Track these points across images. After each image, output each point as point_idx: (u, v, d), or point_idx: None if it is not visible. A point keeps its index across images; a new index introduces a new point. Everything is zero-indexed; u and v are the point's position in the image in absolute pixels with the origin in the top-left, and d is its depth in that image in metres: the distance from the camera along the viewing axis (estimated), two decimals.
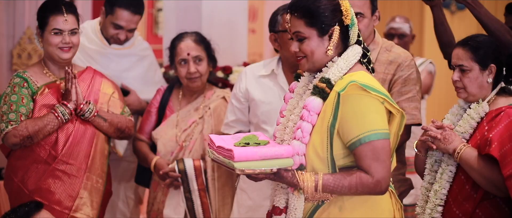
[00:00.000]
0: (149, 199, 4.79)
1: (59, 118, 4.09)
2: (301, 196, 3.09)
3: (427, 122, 6.75)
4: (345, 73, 3.11)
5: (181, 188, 4.55)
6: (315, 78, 3.19)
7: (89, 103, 4.19)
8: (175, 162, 4.55)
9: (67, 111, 4.11)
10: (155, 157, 4.61)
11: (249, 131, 4.44)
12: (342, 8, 3.12)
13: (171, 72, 5.15)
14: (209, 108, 4.65)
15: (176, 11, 5.34)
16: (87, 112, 4.17)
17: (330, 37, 3.11)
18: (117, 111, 4.39)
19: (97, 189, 4.27)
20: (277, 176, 3.03)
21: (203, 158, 4.59)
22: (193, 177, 4.54)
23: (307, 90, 3.19)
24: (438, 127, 3.71)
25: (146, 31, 8.62)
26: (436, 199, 3.70)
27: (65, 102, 4.12)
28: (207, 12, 5.23)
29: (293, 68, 4.21)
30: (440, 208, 3.70)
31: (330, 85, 3.07)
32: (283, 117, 3.26)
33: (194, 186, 4.54)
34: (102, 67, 4.61)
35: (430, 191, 3.76)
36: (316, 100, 3.06)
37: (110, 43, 4.84)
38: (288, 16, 3.13)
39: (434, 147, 3.67)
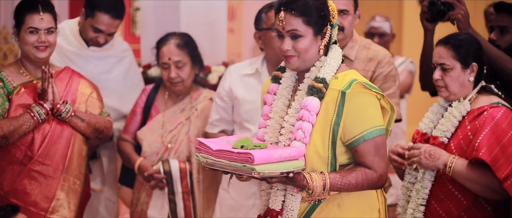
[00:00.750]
0: (132, 200, 4.75)
1: (35, 118, 4.03)
2: (298, 197, 3.10)
3: (408, 121, 6.80)
4: (336, 72, 3.14)
5: (166, 189, 4.52)
6: (298, 78, 3.21)
7: (66, 103, 4.13)
8: (160, 163, 4.52)
9: (43, 111, 4.05)
10: (139, 159, 4.58)
11: (232, 130, 4.43)
12: (329, 8, 3.15)
13: (150, 71, 5.11)
14: (196, 109, 4.63)
15: (154, 11, 5.29)
16: (64, 112, 4.12)
17: (323, 37, 3.13)
18: (96, 111, 4.34)
19: (74, 191, 4.21)
20: (289, 178, 2.99)
21: (188, 159, 4.56)
22: (178, 179, 4.51)
23: (298, 91, 3.18)
24: (410, 149, 3.70)
25: (123, 30, 8.56)
26: (418, 198, 3.70)
27: (42, 102, 4.07)
28: (185, 11, 5.18)
29: (274, 68, 4.20)
30: (422, 208, 3.69)
31: (326, 84, 3.09)
32: (267, 119, 3.23)
33: (178, 188, 4.51)
34: (80, 69, 4.54)
35: (411, 190, 3.76)
36: (315, 100, 3.07)
37: (88, 45, 4.76)
38: (282, 14, 3.10)
39: (419, 167, 3.67)
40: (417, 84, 6.69)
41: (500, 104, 3.65)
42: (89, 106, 4.33)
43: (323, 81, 3.09)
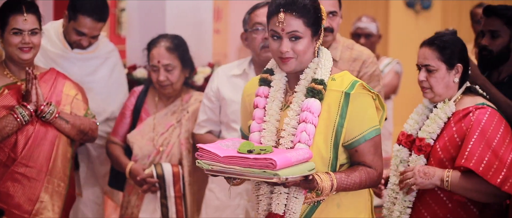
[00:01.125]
0: (122, 203, 4.71)
1: (18, 119, 4.00)
2: (301, 199, 3.08)
3: (394, 122, 6.80)
4: (330, 73, 3.16)
5: (158, 193, 4.48)
6: (288, 80, 3.19)
7: (50, 104, 4.10)
8: (153, 166, 4.48)
9: (26, 112, 4.02)
10: (130, 163, 4.54)
11: (219, 131, 4.42)
12: (322, 10, 3.16)
13: (135, 73, 5.08)
14: (187, 112, 4.60)
15: (140, 11, 5.26)
16: (47, 113, 4.08)
17: (318, 38, 3.14)
18: (81, 113, 4.31)
19: (58, 193, 4.18)
20: (308, 180, 2.98)
21: (180, 162, 4.54)
22: (171, 184, 4.48)
23: (295, 93, 3.15)
24: (402, 173, 3.70)
25: (109, 31, 8.52)
26: (405, 201, 3.69)
27: (25, 103, 4.03)
28: (171, 12, 5.15)
29: (261, 69, 4.19)
30: (409, 210, 3.69)
31: (325, 86, 3.10)
32: (261, 122, 3.19)
33: (171, 192, 4.48)
34: (64, 71, 4.49)
35: (397, 192, 3.74)
36: (317, 102, 3.07)
37: (72, 48, 4.72)
38: (281, 15, 3.06)
39: (415, 188, 3.65)
40: (403, 85, 6.73)
41: (485, 105, 3.65)
42: (74, 107, 4.30)
43: (322, 82, 3.09)
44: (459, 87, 3.73)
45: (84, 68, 4.75)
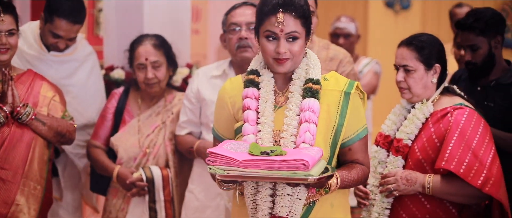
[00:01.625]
0: (105, 207, 4.63)
1: None
2: (303, 200, 3.05)
3: (373, 122, 6.80)
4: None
5: (146, 197, 4.44)
6: (276, 80, 3.15)
7: (27, 106, 4.06)
8: (141, 169, 4.43)
9: (2, 114, 3.98)
10: (116, 166, 4.47)
11: (200, 133, 4.40)
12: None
13: (112, 73, 5.03)
14: (172, 113, 4.57)
15: (117, 12, 5.21)
16: (24, 115, 4.04)
17: (308, 38, 3.12)
18: (58, 114, 4.26)
19: (35, 196, 4.14)
20: (328, 178, 2.98)
21: (167, 164, 4.50)
22: (161, 187, 4.43)
23: (290, 93, 3.12)
24: (383, 177, 3.70)
25: (87, 32, 8.47)
26: (383, 202, 3.68)
27: (1, 105, 3.99)
28: (149, 12, 5.12)
29: (240, 69, 4.25)
30: (387, 211, 3.69)
31: (320, 86, 3.10)
32: (254, 124, 3.12)
33: (160, 196, 4.43)
34: (41, 73, 4.44)
35: (376, 194, 3.74)
36: (317, 102, 3.06)
37: (49, 50, 4.66)
38: (280, 16, 3.02)
39: (396, 194, 3.65)
40: (382, 85, 6.74)
41: (463, 105, 3.66)
42: (51, 109, 4.25)
43: (318, 82, 3.09)
44: (437, 87, 3.72)
45: (61, 71, 4.69)
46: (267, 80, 3.15)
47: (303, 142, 3.02)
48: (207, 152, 2.89)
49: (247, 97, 3.14)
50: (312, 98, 3.05)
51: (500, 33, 4.17)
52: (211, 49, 9.07)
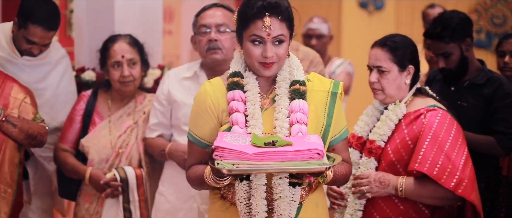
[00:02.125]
0: (76, 213, 4.56)
1: None
2: (297, 201, 3.03)
3: (347, 123, 6.80)
4: None
5: (120, 197, 4.40)
6: (259, 82, 3.11)
7: None
8: (115, 170, 4.40)
9: None
10: (88, 168, 4.43)
11: (171, 135, 4.37)
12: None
13: (83, 75, 4.98)
14: (144, 113, 4.54)
15: (88, 12, 5.16)
16: None
17: (290, 40, 3.09)
18: (29, 116, 4.21)
19: (5, 199, 4.10)
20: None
21: (140, 164, 4.47)
22: (135, 187, 4.39)
23: (277, 95, 3.10)
24: (356, 178, 3.69)
25: (59, 33, 8.40)
26: (356, 203, 3.67)
27: None
28: (120, 12, 5.07)
29: (211, 71, 4.24)
30: (360, 213, 3.69)
31: (306, 87, 3.10)
32: (244, 127, 3.07)
33: (135, 196, 4.40)
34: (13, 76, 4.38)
35: (349, 195, 3.74)
36: (306, 103, 3.06)
37: (22, 55, 4.58)
38: (267, 19, 2.98)
39: (369, 196, 3.65)
40: (355, 86, 6.74)
41: (436, 107, 3.66)
42: (22, 111, 4.20)
43: (304, 83, 3.09)
44: (410, 89, 3.72)
45: (33, 75, 4.62)
46: (252, 82, 3.12)
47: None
48: (213, 147, 2.81)
49: (233, 100, 3.10)
50: (301, 100, 3.05)
51: (469, 35, 4.22)
52: (185, 50, 9.03)
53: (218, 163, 2.77)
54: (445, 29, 4.10)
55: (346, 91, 6.52)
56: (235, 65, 3.17)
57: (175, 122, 4.35)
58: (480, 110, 4.13)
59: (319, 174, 2.93)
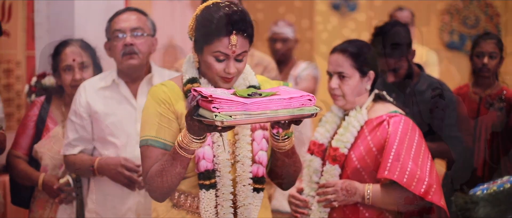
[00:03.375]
0: None
1: None
2: (259, 206, 3.10)
3: (313, 128, 6.76)
4: None
5: (74, 203, 4.33)
6: (215, 87, 3.05)
7: None
8: (68, 175, 4.32)
9: None
10: (41, 174, 4.36)
11: (93, 148, 4.26)
12: None
13: (44, 81, 4.90)
14: None
15: (48, 16, 5.10)
16: None
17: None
18: None
19: None
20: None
21: None
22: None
23: None
24: (321, 187, 3.65)
25: (26, 36, 8.32)
26: (320, 211, 3.64)
27: None
28: (80, 15, 5.01)
29: (129, 78, 4.21)
30: None
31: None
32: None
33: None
34: None
35: (312, 203, 3.71)
36: None
37: None
38: (234, 38, 2.91)
39: (336, 205, 3.61)
40: (319, 89, 6.70)
41: (397, 113, 3.64)
42: None
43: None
44: (369, 94, 3.68)
45: None
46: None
47: (260, 149, 3.06)
48: (210, 98, 2.68)
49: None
50: None
51: (411, 44, 4.30)
52: (155, 52, 8.95)
53: (216, 115, 2.66)
54: (394, 45, 4.14)
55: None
56: (189, 71, 3.12)
57: (100, 134, 4.20)
58: (424, 116, 4.12)
59: (298, 123, 2.86)
